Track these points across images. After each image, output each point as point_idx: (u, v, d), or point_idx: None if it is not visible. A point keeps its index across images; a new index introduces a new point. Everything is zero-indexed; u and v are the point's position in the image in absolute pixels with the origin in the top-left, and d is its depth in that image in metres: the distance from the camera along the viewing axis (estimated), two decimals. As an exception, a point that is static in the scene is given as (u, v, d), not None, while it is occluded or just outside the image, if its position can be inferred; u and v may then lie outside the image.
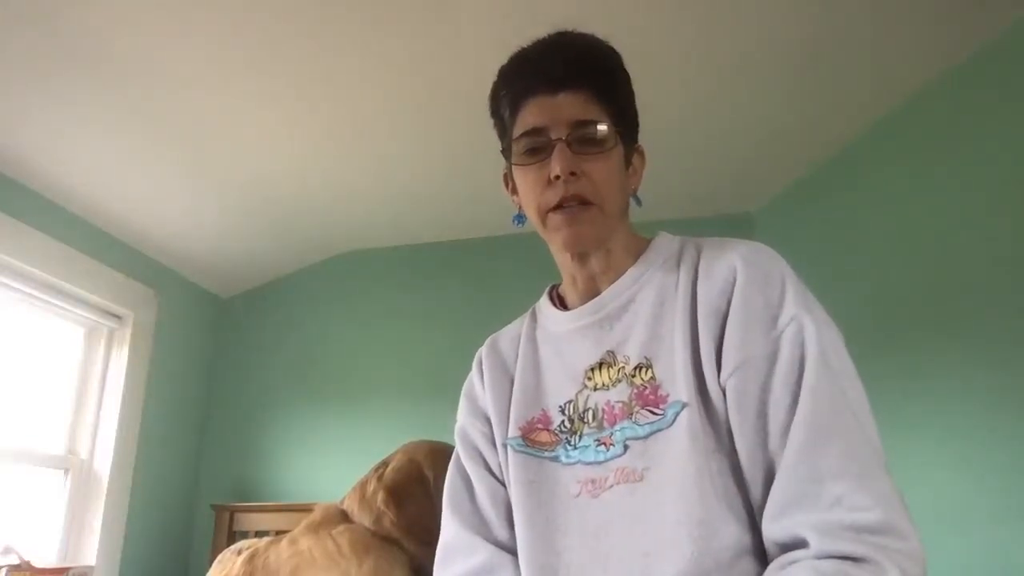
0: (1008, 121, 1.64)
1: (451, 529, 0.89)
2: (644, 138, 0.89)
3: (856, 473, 0.64)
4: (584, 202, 0.79)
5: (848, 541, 0.61)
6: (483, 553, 0.84)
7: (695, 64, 1.81)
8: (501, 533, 0.86)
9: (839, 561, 0.60)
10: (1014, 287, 1.60)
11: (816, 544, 0.62)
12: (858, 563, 0.60)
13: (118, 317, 2.33)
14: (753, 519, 0.70)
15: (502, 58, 0.86)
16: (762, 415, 0.69)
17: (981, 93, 1.72)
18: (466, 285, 2.66)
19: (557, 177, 0.77)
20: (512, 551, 0.84)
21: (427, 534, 1.61)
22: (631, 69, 0.86)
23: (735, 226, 2.52)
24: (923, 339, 1.83)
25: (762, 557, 0.69)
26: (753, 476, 0.69)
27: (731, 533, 0.69)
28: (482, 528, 0.87)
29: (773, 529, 0.66)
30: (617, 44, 0.85)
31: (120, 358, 2.30)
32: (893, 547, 0.61)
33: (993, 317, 1.65)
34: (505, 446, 0.87)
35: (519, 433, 0.86)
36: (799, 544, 0.63)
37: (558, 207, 0.79)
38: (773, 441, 0.68)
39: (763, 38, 1.71)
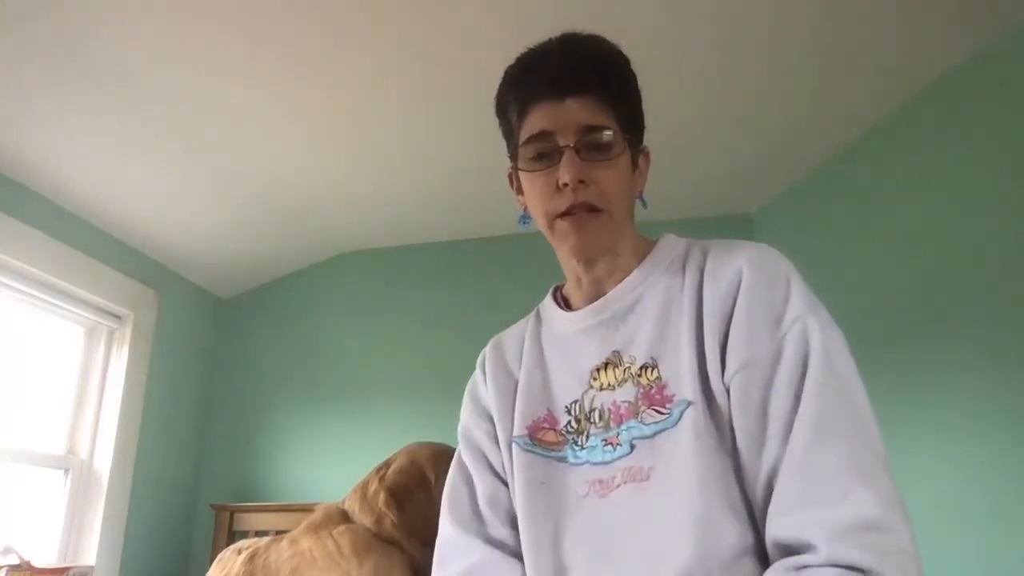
0: (1008, 121, 1.64)
1: (448, 529, 0.89)
2: (644, 138, 0.89)
3: (858, 473, 0.64)
4: (592, 209, 0.79)
5: (857, 546, 0.60)
6: (478, 552, 0.85)
7: (695, 64, 1.81)
8: (498, 532, 0.86)
9: (846, 571, 0.60)
10: (1013, 287, 1.60)
11: (825, 550, 0.61)
12: (861, 574, 0.60)
13: (118, 317, 2.32)
14: (754, 518, 0.70)
15: (506, 60, 0.86)
16: (764, 415, 0.69)
17: (981, 93, 1.73)
18: (466, 285, 2.66)
19: (566, 185, 0.77)
20: (509, 550, 0.85)
21: (428, 535, 1.60)
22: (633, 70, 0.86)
23: (735, 226, 2.52)
24: (922, 339, 1.83)
25: (763, 556, 0.69)
26: (754, 475, 0.69)
27: (733, 532, 0.69)
28: (479, 528, 0.87)
29: (776, 528, 0.66)
30: (618, 44, 0.85)
31: (120, 358, 2.30)
32: (895, 548, 0.61)
33: (992, 317, 1.65)
34: (510, 444, 0.88)
35: (525, 432, 0.86)
36: (804, 547, 0.63)
37: (566, 213, 0.79)
38: (774, 441, 0.68)
39: (763, 38, 1.71)
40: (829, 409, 0.67)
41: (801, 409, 0.67)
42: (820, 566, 0.61)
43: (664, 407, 0.75)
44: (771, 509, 0.67)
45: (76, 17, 1.51)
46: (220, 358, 2.76)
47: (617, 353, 0.81)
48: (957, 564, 1.62)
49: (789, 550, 0.65)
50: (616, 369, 0.81)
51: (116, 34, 1.58)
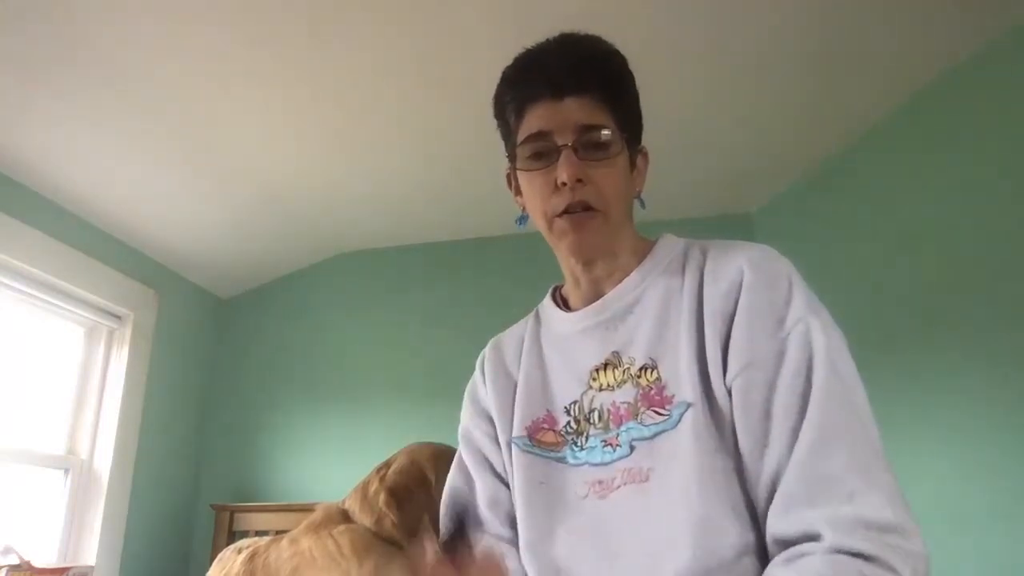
0: (1008, 121, 1.64)
1: (448, 528, 0.89)
2: (644, 138, 0.89)
3: (865, 473, 0.64)
4: (590, 208, 0.79)
5: (861, 538, 0.61)
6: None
7: (695, 64, 1.81)
8: (498, 532, 0.87)
9: (853, 558, 0.60)
10: (1013, 287, 1.60)
11: (830, 538, 0.61)
12: (872, 561, 0.60)
13: (118, 317, 2.32)
14: (754, 519, 0.70)
15: (506, 60, 0.86)
16: (767, 415, 0.69)
17: (981, 93, 1.73)
18: (466, 285, 2.66)
19: (564, 184, 0.77)
20: (507, 545, 0.85)
21: (428, 535, 1.60)
22: (632, 69, 0.86)
23: (735, 226, 2.53)
24: (922, 339, 1.83)
25: (763, 556, 0.69)
26: (756, 475, 0.69)
27: (733, 532, 0.69)
28: (478, 528, 0.88)
29: (780, 525, 0.66)
30: (617, 44, 0.85)
31: (120, 358, 2.30)
32: (904, 547, 0.61)
33: (992, 317, 1.65)
34: (509, 444, 0.88)
35: (524, 432, 0.86)
36: (810, 538, 0.63)
37: (564, 213, 0.79)
38: (778, 442, 0.68)
39: (763, 38, 1.71)
40: (833, 411, 0.67)
41: (808, 411, 0.67)
42: (825, 552, 0.61)
43: (663, 408, 0.75)
44: (774, 509, 0.67)
45: (76, 18, 1.51)
46: (220, 358, 2.77)
47: (616, 354, 0.81)
48: (957, 564, 1.62)
49: (793, 544, 0.65)
50: (615, 370, 0.81)
51: (117, 35, 1.58)
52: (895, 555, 0.60)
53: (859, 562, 0.60)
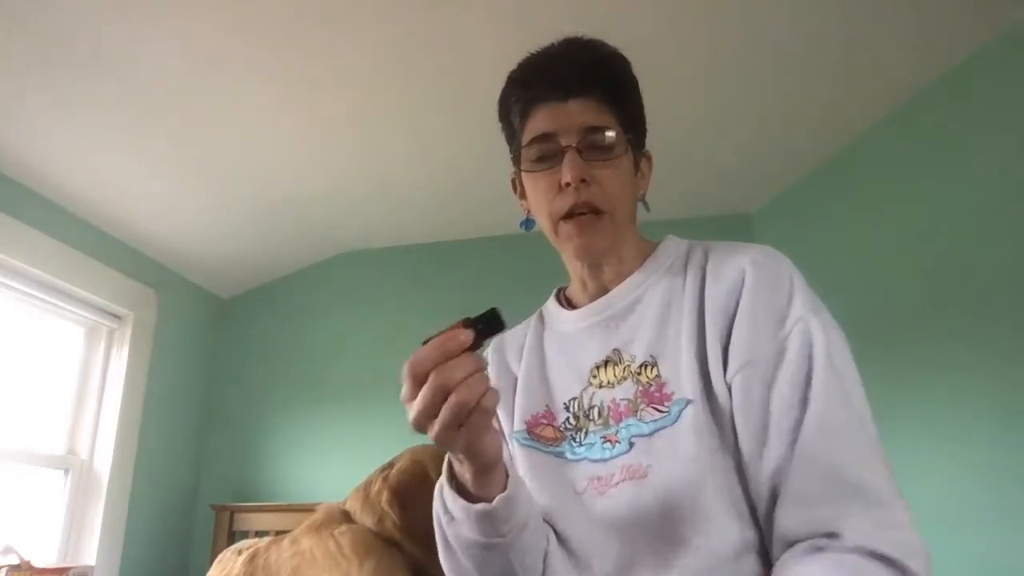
0: (1007, 122, 1.65)
1: None
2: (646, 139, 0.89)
3: (868, 470, 0.65)
4: (595, 210, 0.79)
5: (879, 539, 0.61)
6: None
7: (696, 65, 1.81)
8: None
9: (874, 559, 0.60)
10: (1014, 288, 1.60)
11: (850, 536, 0.62)
12: (886, 563, 0.60)
13: (118, 317, 2.33)
14: (754, 516, 0.70)
15: (506, 61, 0.86)
16: (767, 413, 0.70)
17: (981, 93, 1.73)
18: (466, 285, 2.66)
19: (568, 184, 0.77)
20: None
21: (428, 536, 1.60)
22: (634, 71, 0.86)
23: (735, 226, 2.53)
24: (922, 340, 1.83)
25: (763, 555, 0.69)
26: (756, 473, 0.70)
27: (733, 530, 0.70)
28: None
29: (789, 524, 0.66)
30: (618, 44, 0.85)
31: (120, 358, 2.30)
32: (908, 542, 0.61)
33: (993, 318, 1.65)
34: (510, 439, 0.88)
35: (524, 427, 0.87)
36: (828, 535, 0.63)
37: (570, 215, 0.80)
38: (777, 439, 0.68)
39: (764, 39, 1.71)
40: (832, 409, 0.67)
41: (809, 408, 0.68)
42: (845, 551, 0.61)
43: (663, 405, 0.75)
44: (780, 509, 0.67)
45: (77, 18, 1.51)
46: (220, 358, 2.77)
47: (617, 351, 0.82)
48: (957, 563, 1.62)
49: (801, 542, 0.65)
50: (616, 367, 0.81)
51: (117, 35, 1.58)
52: (908, 554, 0.60)
53: (875, 564, 0.60)
